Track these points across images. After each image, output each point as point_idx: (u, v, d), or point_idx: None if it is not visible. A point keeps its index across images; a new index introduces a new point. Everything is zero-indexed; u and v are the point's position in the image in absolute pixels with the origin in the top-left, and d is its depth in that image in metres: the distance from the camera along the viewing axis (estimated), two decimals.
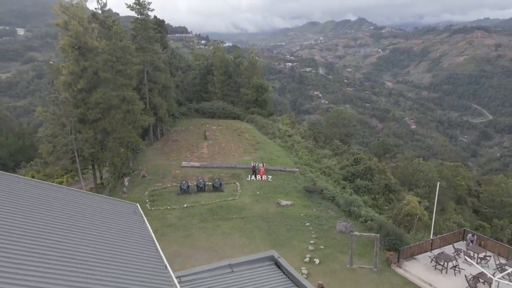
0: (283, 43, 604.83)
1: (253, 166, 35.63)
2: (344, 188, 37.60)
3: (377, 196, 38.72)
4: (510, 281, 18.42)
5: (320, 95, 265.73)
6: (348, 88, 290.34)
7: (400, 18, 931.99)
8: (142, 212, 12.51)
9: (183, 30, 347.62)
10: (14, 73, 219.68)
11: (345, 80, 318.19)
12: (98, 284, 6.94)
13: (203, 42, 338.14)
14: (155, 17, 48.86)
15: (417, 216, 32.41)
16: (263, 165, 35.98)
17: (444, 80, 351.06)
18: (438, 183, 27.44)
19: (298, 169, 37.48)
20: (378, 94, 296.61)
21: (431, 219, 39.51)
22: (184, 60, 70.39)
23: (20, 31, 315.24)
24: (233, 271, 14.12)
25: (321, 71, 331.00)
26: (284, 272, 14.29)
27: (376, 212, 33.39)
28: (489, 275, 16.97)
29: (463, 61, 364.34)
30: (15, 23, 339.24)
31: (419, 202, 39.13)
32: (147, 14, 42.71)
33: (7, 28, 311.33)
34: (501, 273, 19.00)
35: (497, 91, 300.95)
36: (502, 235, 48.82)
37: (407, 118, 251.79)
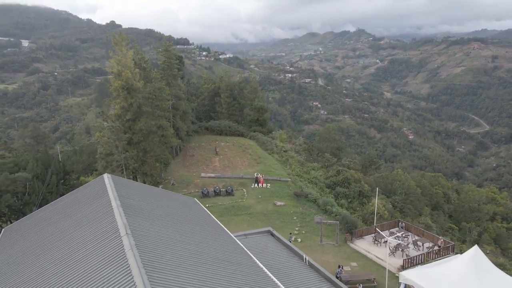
0: (283, 54, 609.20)
1: (256, 177, 46.80)
2: (326, 194, 48.42)
3: (352, 200, 49.51)
4: (409, 245, 29.59)
5: (319, 105, 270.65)
6: (347, 99, 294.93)
7: (398, 29, 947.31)
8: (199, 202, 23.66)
9: (184, 41, 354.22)
10: (20, 85, 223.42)
11: (344, 91, 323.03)
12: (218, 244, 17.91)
13: (204, 53, 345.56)
14: (175, 56, 60.09)
15: (379, 214, 43.19)
16: (262, 176, 47.11)
17: (441, 90, 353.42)
18: (377, 188, 38.17)
19: (290, 179, 48.49)
20: (376, 104, 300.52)
21: (393, 217, 50.35)
22: (196, 87, 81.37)
23: (25, 43, 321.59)
24: (246, 237, 25.24)
25: (320, 81, 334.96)
26: (276, 239, 25.45)
27: (350, 212, 44.07)
28: (402, 243, 28.17)
29: (460, 72, 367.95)
30: (20, 35, 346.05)
31: (390, 202, 50.18)
32: (171, 58, 54.18)
33: (12, 39, 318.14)
34: (414, 246, 30.05)
35: (494, 102, 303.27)
36: (469, 236, 58.15)
37: (405, 129, 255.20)
